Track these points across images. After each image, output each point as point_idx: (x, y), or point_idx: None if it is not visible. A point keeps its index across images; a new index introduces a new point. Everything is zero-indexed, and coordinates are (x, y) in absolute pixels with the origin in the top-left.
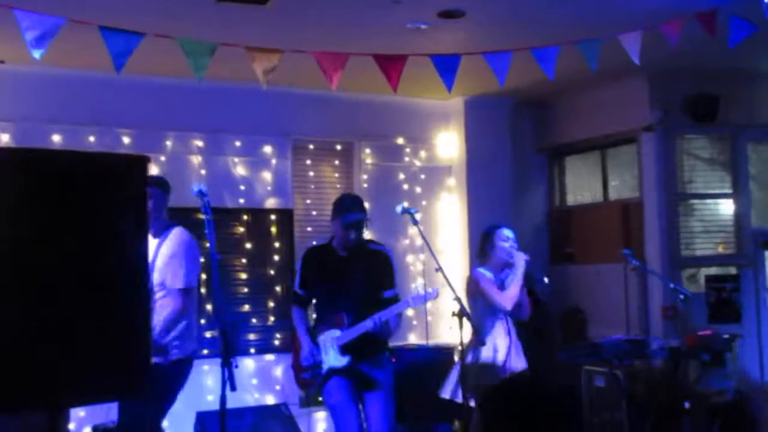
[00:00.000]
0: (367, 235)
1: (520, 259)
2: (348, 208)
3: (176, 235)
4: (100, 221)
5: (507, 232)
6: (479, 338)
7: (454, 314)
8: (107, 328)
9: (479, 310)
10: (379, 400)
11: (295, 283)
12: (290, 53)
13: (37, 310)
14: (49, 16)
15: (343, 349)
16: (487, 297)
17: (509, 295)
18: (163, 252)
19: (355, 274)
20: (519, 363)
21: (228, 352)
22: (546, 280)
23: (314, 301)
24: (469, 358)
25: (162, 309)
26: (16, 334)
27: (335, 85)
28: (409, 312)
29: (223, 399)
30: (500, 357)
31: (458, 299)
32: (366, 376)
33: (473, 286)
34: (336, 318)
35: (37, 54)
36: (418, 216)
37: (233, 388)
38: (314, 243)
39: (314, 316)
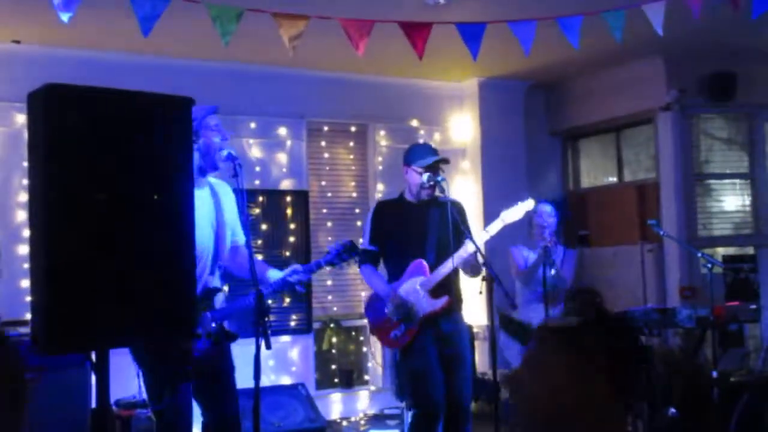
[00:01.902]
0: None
1: (540, 246)
2: (422, 152)
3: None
4: (146, 159)
5: (542, 208)
6: (510, 302)
7: (483, 279)
8: (157, 268)
9: (517, 284)
10: (459, 366)
11: (365, 241)
12: (316, 19)
13: (84, 251)
14: None
15: (433, 294)
16: (514, 273)
17: (525, 275)
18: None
19: (432, 222)
20: None
21: (263, 311)
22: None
23: (383, 257)
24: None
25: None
26: (65, 277)
27: (362, 51)
28: None
29: (257, 358)
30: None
31: (487, 264)
32: (445, 336)
33: (510, 262)
34: (414, 266)
35: (65, 17)
36: (445, 184)
37: (268, 346)
38: (382, 199)
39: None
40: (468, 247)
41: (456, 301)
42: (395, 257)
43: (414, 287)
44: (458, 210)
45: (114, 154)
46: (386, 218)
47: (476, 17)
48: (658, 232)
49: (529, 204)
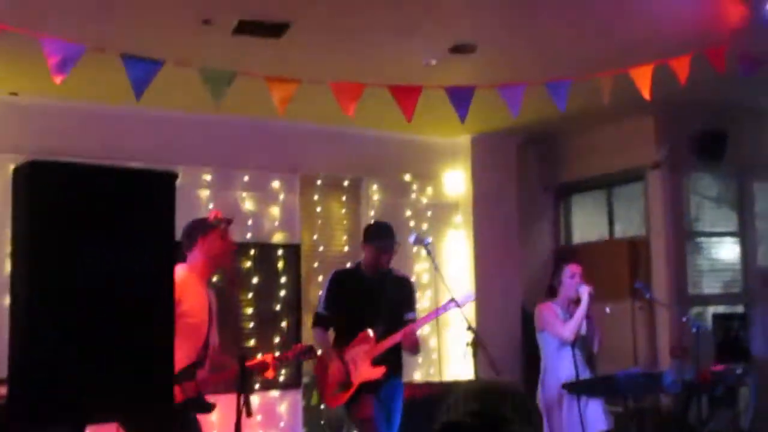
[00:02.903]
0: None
1: (584, 293)
2: (380, 234)
3: None
4: (127, 235)
5: (573, 268)
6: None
7: (468, 344)
8: (134, 344)
9: (547, 342)
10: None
11: (320, 306)
12: (307, 83)
13: (65, 323)
14: (72, 44)
15: (375, 363)
16: (549, 328)
17: (570, 326)
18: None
19: (383, 296)
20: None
21: (244, 378)
22: (607, 309)
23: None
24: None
25: None
26: (45, 349)
27: (351, 113)
28: None
29: (237, 424)
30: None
31: (472, 329)
32: (383, 396)
33: (539, 319)
34: (362, 336)
35: (58, 80)
36: (431, 246)
37: (249, 414)
38: (340, 269)
39: (333, 336)
40: (419, 321)
41: (396, 368)
42: (346, 324)
43: (359, 354)
44: (409, 289)
45: (96, 230)
46: (342, 288)
47: (469, 79)
48: (644, 295)
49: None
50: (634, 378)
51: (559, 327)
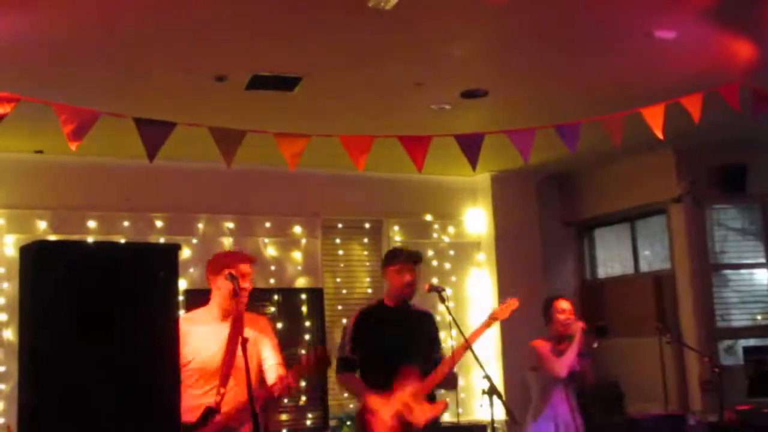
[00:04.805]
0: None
1: (577, 329)
2: (396, 253)
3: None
4: (134, 306)
5: (562, 304)
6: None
7: (484, 392)
8: (140, 409)
9: (541, 380)
10: None
11: (344, 349)
12: (316, 138)
13: (74, 392)
14: (86, 110)
15: (431, 400)
16: (544, 365)
17: (563, 362)
18: None
19: (416, 330)
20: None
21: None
22: (595, 344)
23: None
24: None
25: None
26: (51, 417)
27: (362, 167)
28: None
29: None
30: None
31: (488, 377)
32: None
33: (533, 357)
34: (407, 373)
35: (73, 146)
36: (445, 294)
37: None
38: (364, 307)
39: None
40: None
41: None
42: (380, 365)
43: (407, 394)
44: (434, 324)
45: (100, 305)
46: (369, 326)
47: (481, 123)
48: (664, 335)
49: (513, 303)
50: (656, 421)
51: (552, 362)
